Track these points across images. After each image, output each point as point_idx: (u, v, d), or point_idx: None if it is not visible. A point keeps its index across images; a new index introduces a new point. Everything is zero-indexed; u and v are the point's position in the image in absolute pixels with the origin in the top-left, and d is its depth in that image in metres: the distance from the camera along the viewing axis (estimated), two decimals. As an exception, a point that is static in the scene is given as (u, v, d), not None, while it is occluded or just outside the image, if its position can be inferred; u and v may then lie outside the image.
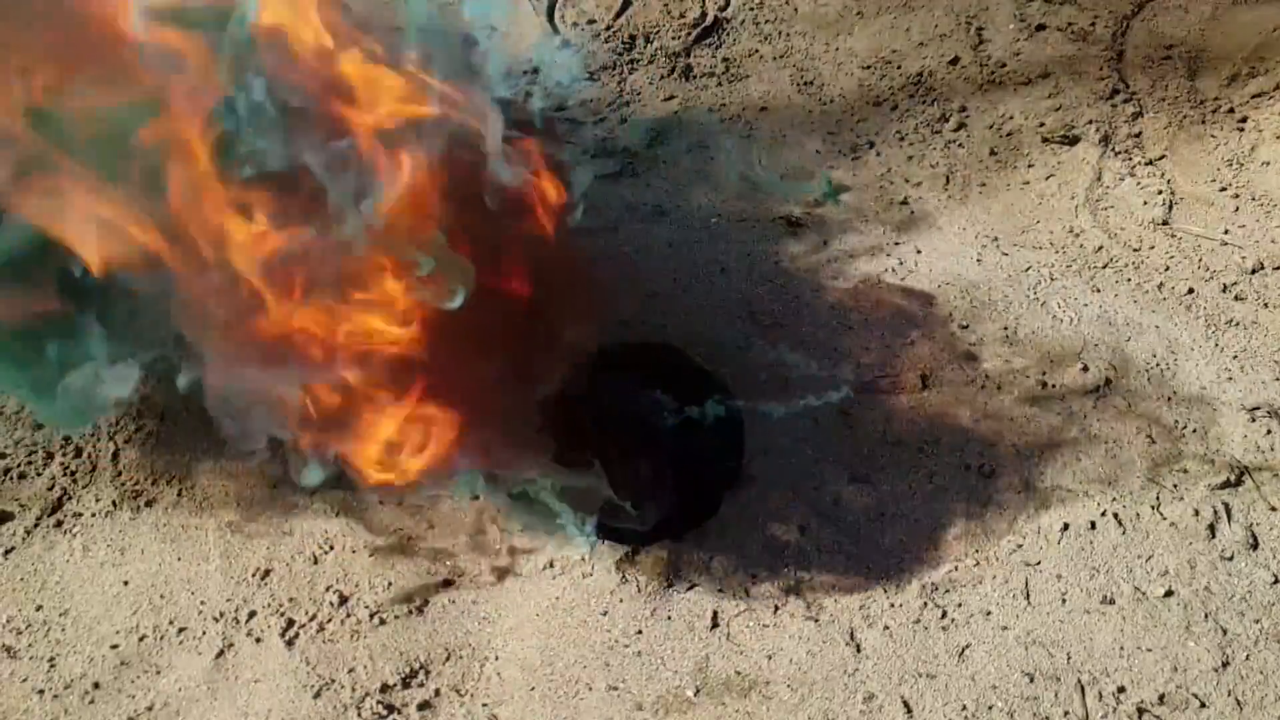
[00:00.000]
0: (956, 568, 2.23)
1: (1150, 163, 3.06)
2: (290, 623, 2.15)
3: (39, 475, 2.39)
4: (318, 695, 2.05)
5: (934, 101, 3.22)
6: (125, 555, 2.27)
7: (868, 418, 2.49)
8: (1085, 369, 2.56)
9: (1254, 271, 2.77)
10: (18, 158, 1.79)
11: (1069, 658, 2.10)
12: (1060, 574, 2.21)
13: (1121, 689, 2.06)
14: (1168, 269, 2.78)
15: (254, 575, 2.23)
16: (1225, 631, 2.13)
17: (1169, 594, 2.18)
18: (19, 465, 2.40)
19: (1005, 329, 2.65)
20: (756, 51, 3.39)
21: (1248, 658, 2.09)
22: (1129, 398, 2.50)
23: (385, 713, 2.04)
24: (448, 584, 2.23)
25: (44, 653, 2.12)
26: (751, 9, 3.51)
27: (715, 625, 2.16)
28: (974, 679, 2.08)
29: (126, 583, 2.22)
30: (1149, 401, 2.49)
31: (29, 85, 1.77)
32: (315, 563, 2.25)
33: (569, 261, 2.31)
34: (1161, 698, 2.05)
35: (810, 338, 2.63)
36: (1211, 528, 2.28)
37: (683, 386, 2.50)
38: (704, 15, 3.48)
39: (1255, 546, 2.25)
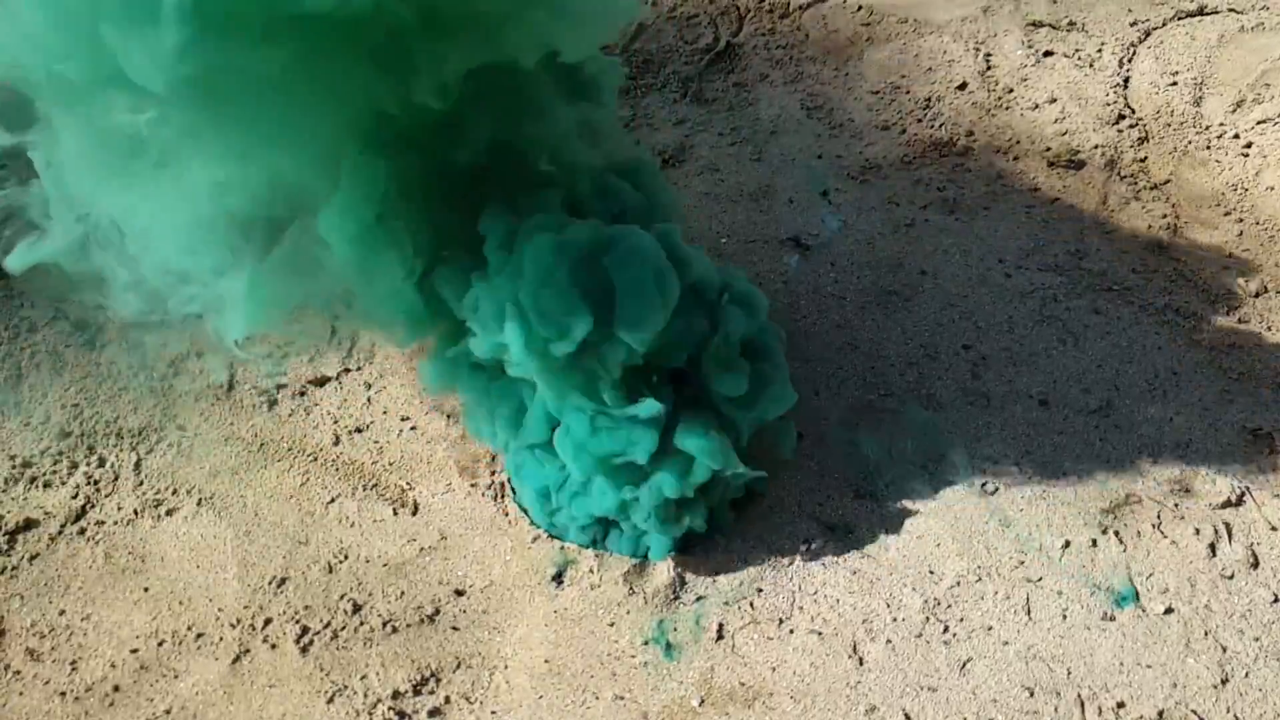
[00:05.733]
0: (959, 583, 2.26)
1: (1155, 187, 3.11)
2: (305, 630, 2.21)
3: (64, 484, 2.46)
4: (331, 701, 2.10)
5: (941, 126, 3.27)
6: (146, 563, 2.33)
7: (873, 435, 2.53)
8: (1087, 390, 2.59)
9: (1257, 295, 2.80)
10: None
11: (1069, 673, 2.13)
12: (1061, 590, 2.24)
13: (1121, 704, 2.08)
14: (1171, 292, 2.82)
15: (270, 583, 2.28)
16: (1225, 649, 2.15)
17: (1169, 611, 2.21)
18: (44, 474, 2.47)
19: (1008, 349, 2.69)
20: (767, 76, 3.46)
21: (1247, 675, 2.12)
22: (1131, 418, 2.54)
23: (397, 719, 2.08)
24: (459, 594, 2.28)
25: (66, 656, 2.18)
26: (763, 35, 3.58)
27: (721, 637, 2.20)
28: (975, 693, 2.11)
29: (147, 589, 2.28)
30: (1151, 422, 2.53)
31: None
32: (330, 572, 2.31)
33: None
34: (1161, 714, 2.07)
35: (816, 357, 2.68)
36: (1212, 546, 2.31)
37: None
38: (716, 41, 3.55)
39: (1256, 565, 2.28)
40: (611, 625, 2.22)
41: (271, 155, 1.84)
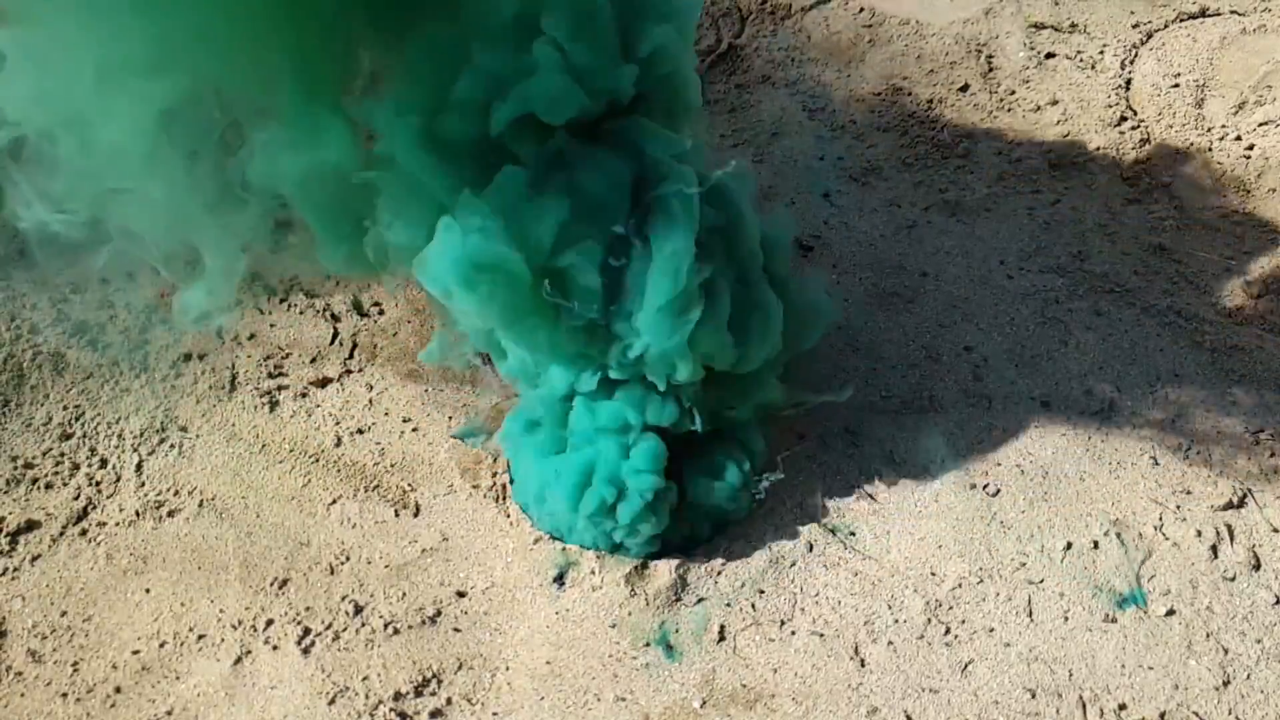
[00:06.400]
0: (960, 584, 2.26)
1: (1157, 189, 3.11)
2: (306, 631, 2.20)
3: (65, 485, 2.46)
4: (332, 702, 2.10)
5: (943, 128, 3.27)
6: (147, 564, 2.33)
7: (874, 437, 2.53)
8: (1089, 391, 2.59)
9: (1259, 297, 2.80)
10: None
11: (1071, 675, 2.13)
12: (1063, 592, 2.24)
13: (1123, 706, 2.08)
14: (1173, 294, 2.82)
15: (272, 584, 2.28)
16: (1227, 651, 2.15)
17: (1171, 613, 2.21)
18: (46, 475, 2.47)
19: (1010, 351, 2.69)
20: (769, 78, 3.46)
21: (1249, 677, 2.12)
22: (1133, 419, 2.54)
23: (398, 720, 2.08)
24: (461, 595, 2.28)
25: (68, 657, 2.18)
26: (765, 37, 3.58)
27: (722, 638, 2.20)
28: (976, 694, 2.11)
29: (148, 590, 2.28)
30: (1152, 424, 2.52)
31: None
32: (332, 573, 2.31)
33: None
34: (1163, 716, 2.07)
35: (819, 358, 2.68)
36: (1214, 548, 2.30)
37: None
38: (718, 43, 3.55)
39: (1257, 567, 2.28)
40: (613, 627, 2.22)
41: (195, 59, 1.76)
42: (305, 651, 2.18)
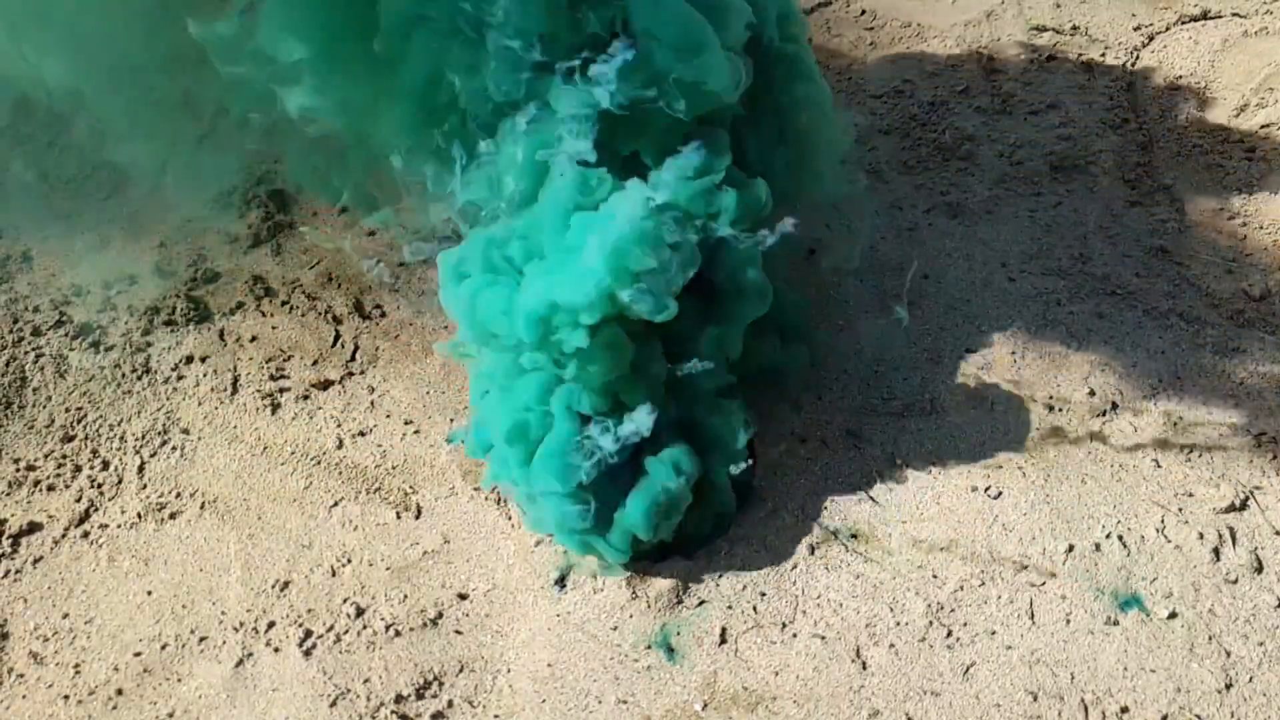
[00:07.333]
0: (962, 587, 2.26)
1: (1158, 191, 3.10)
2: (308, 633, 2.21)
3: (68, 487, 2.46)
4: (334, 704, 2.10)
5: (944, 130, 3.27)
6: (149, 566, 2.33)
7: (876, 440, 2.53)
8: (1092, 393, 2.59)
9: (1260, 299, 2.80)
10: None
11: (1073, 677, 2.12)
12: (1065, 594, 2.24)
13: (1125, 709, 2.08)
14: (1175, 296, 2.81)
15: (273, 587, 2.29)
16: (1229, 653, 2.15)
17: (1173, 615, 2.20)
18: (49, 478, 2.47)
19: (1013, 353, 2.69)
20: (770, 81, 3.46)
21: (1251, 680, 2.11)
22: (1135, 422, 2.53)
23: (399, 722, 2.08)
24: (462, 597, 2.28)
25: (70, 659, 2.18)
26: (766, 39, 3.58)
27: (724, 641, 2.20)
28: (978, 697, 2.10)
29: (150, 592, 2.28)
30: (1154, 426, 2.52)
31: None
32: (333, 575, 2.31)
33: None
34: (1165, 718, 2.07)
35: (821, 361, 2.68)
36: (1216, 551, 2.30)
37: None
38: (719, 45, 3.55)
39: (1259, 570, 2.27)
40: (614, 629, 2.22)
41: None
42: (307, 654, 2.18)
